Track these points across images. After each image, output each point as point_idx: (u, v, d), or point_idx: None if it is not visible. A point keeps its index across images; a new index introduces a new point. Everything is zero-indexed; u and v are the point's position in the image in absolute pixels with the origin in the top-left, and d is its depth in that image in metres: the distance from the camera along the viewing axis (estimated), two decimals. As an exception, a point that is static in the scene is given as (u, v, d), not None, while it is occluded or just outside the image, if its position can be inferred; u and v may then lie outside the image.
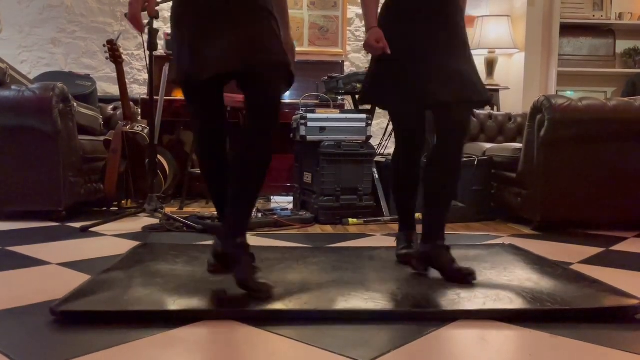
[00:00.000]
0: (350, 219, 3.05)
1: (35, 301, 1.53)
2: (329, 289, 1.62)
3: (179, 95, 4.19)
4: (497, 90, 4.58)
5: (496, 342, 1.30)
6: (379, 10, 1.99)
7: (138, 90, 4.63)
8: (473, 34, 4.53)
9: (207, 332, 1.33)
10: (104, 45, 3.23)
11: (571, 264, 2.10)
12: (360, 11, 4.90)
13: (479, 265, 1.92)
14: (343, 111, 3.27)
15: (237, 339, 1.29)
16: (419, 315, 1.44)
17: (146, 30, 2.84)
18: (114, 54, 3.21)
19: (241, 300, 1.50)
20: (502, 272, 1.85)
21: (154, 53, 2.87)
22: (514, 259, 2.06)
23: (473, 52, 2.02)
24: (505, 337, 1.34)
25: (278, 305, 1.47)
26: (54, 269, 1.92)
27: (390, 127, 3.74)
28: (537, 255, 2.12)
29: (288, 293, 1.57)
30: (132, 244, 2.34)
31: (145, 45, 2.83)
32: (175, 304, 1.46)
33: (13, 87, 2.96)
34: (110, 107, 4.09)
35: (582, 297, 1.55)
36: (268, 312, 1.43)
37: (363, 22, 4.87)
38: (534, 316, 1.44)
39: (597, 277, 1.80)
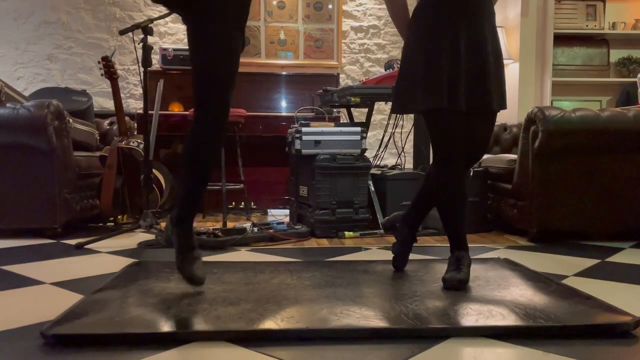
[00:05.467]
0: (346, 232, 3.04)
1: (27, 323, 1.52)
2: (322, 306, 1.62)
3: (175, 109, 4.21)
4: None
5: (488, 361, 1.29)
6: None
7: (134, 104, 4.65)
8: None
9: (198, 354, 1.32)
10: (99, 62, 3.25)
11: (566, 277, 2.10)
12: (354, 24, 4.93)
13: (473, 281, 1.92)
14: (338, 124, 3.28)
15: (228, 360, 1.28)
16: (411, 333, 1.43)
17: (140, 46, 2.86)
18: (109, 70, 3.23)
19: (232, 320, 1.49)
20: (496, 288, 1.85)
21: (149, 68, 2.88)
22: (509, 274, 2.05)
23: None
24: (497, 355, 1.33)
25: (270, 324, 1.46)
26: (47, 289, 1.92)
27: (386, 138, 3.77)
28: (531, 270, 2.11)
29: (280, 310, 1.57)
30: (127, 261, 2.34)
31: (140, 62, 2.84)
32: (167, 325, 1.45)
33: (8, 104, 2.97)
34: (107, 122, 4.10)
35: (575, 313, 1.54)
36: (260, 331, 1.43)
37: (358, 35, 4.91)
38: (526, 333, 1.43)
39: (592, 290, 1.79)
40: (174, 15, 3.58)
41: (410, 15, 1.99)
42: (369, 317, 1.52)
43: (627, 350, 1.36)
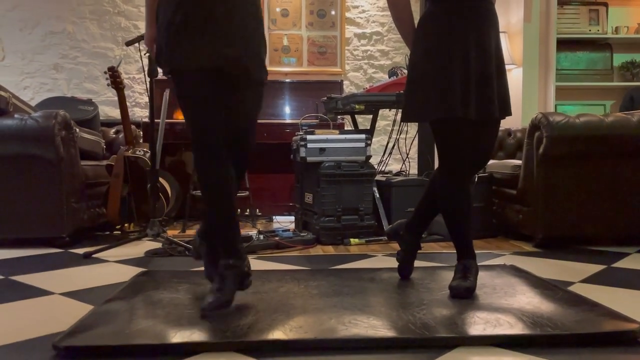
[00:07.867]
0: (351, 239, 3.06)
1: (38, 335, 1.54)
2: (329, 315, 1.63)
3: (180, 117, 4.23)
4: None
5: (496, 370, 1.30)
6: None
7: (140, 113, 4.68)
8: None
9: (208, 364, 1.34)
10: (105, 72, 3.28)
11: (572, 283, 2.10)
12: (358, 30, 4.96)
13: (479, 289, 1.93)
14: (342, 131, 3.30)
15: (238, 371, 1.29)
16: (419, 342, 1.44)
17: (146, 56, 2.88)
18: (115, 81, 3.25)
19: (241, 331, 1.50)
20: (503, 295, 1.85)
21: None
22: (515, 281, 2.06)
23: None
24: (505, 364, 1.34)
25: (279, 335, 1.48)
26: (57, 299, 1.94)
27: (391, 144, 3.78)
28: (537, 277, 2.12)
29: (289, 320, 1.58)
30: (135, 270, 2.36)
31: (146, 71, 2.86)
32: (176, 336, 1.47)
33: (16, 115, 3.00)
34: (113, 130, 4.13)
35: (582, 321, 1.55)
36: (269, 342, 1.44)
37: (361, 41, 4.93)
38: (533, 341, 1.44)
39: (598, 297, 1.80)
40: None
41: (417, 23, 2.00)
42: (376, 327, 1.53)
43: (634, 358, 1.37)
